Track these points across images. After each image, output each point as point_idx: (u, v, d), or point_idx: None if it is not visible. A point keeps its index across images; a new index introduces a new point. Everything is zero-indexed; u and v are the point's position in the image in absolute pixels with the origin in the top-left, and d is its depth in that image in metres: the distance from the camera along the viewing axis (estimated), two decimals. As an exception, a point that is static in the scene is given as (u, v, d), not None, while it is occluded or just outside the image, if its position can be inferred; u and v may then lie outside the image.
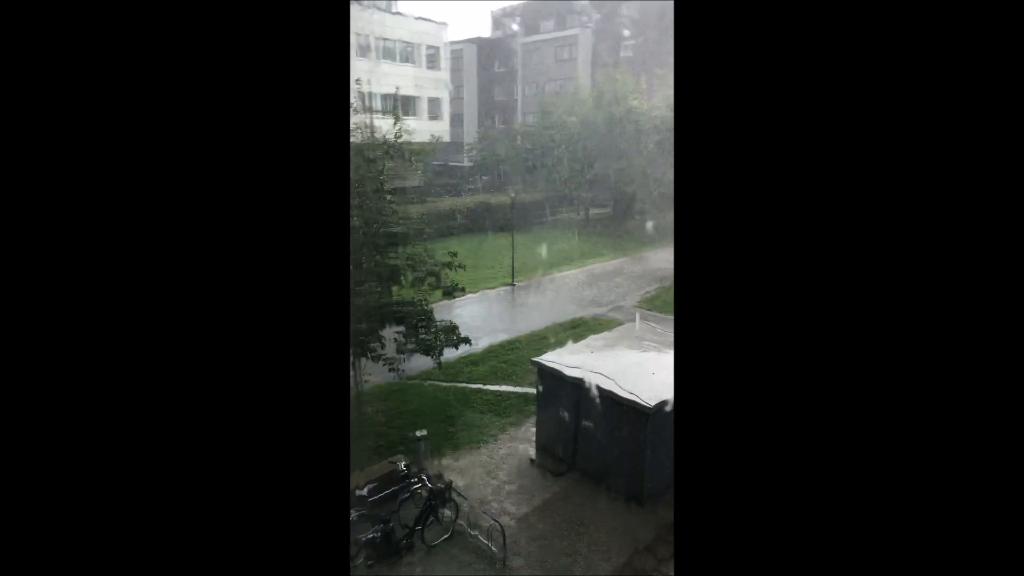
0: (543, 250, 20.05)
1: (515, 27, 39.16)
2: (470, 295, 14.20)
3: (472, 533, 5.95)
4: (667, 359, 7.32)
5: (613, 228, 24.36)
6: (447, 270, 7.98)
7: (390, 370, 7.71)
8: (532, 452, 7.45)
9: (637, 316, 11.30)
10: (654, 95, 25.49)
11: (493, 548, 5.72)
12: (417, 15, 28.65)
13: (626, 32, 35.18)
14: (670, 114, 24.06)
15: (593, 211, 27.05)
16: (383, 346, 7.66)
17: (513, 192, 18.49)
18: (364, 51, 25.23)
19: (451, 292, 8.18)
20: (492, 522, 5.89)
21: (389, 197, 7.70)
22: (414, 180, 10.83)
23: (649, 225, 24.14)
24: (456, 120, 37.45)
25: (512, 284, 16.10)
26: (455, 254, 8.14)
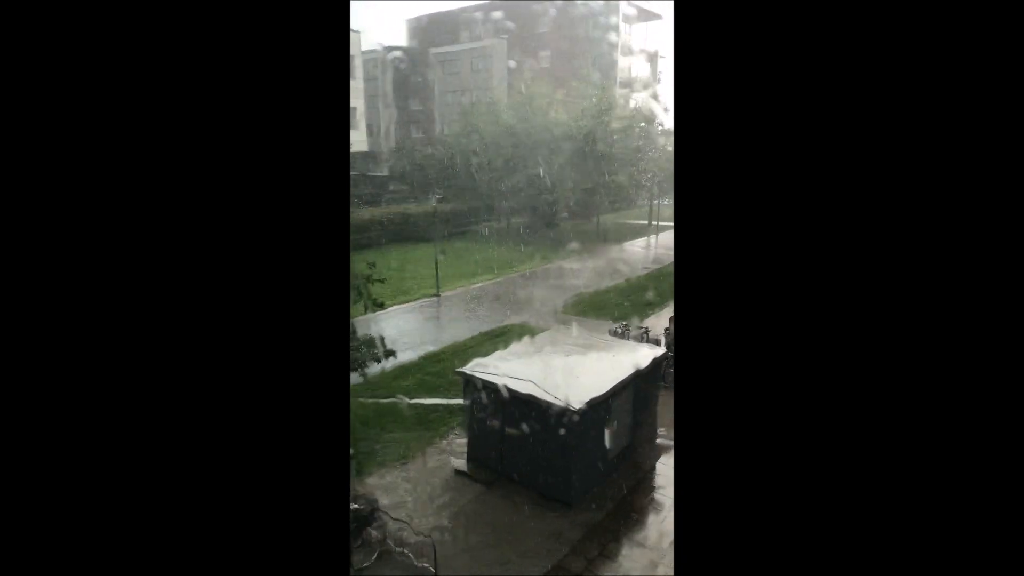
0: (465, 260, 20.02)
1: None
2: (393, 308, 13.93)
3: (401, 551, 5.80)
4: (591, 361, 7.52)
5: (533, 236, 24.71)
6: (369, 283, 7.79)
7: None
8: (461, 463, 7.39)
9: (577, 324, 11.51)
10: (570, 106, 26.25)
11: (423, 565, 5.60)
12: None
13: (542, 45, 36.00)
14: (587, 124, 24.89)
15: (514, 220, 27.36)
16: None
17: (434, 202, 18.38)
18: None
19: (373, 305, 7.98)
20: (421, 538, 5.77)
21: None
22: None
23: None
24: (373, 130, 36.77)
25: (436, 295, 15.96)
26: (373, 264, 7.96)
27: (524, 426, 6.64)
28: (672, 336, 10.15)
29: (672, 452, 7.72)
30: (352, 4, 8.46)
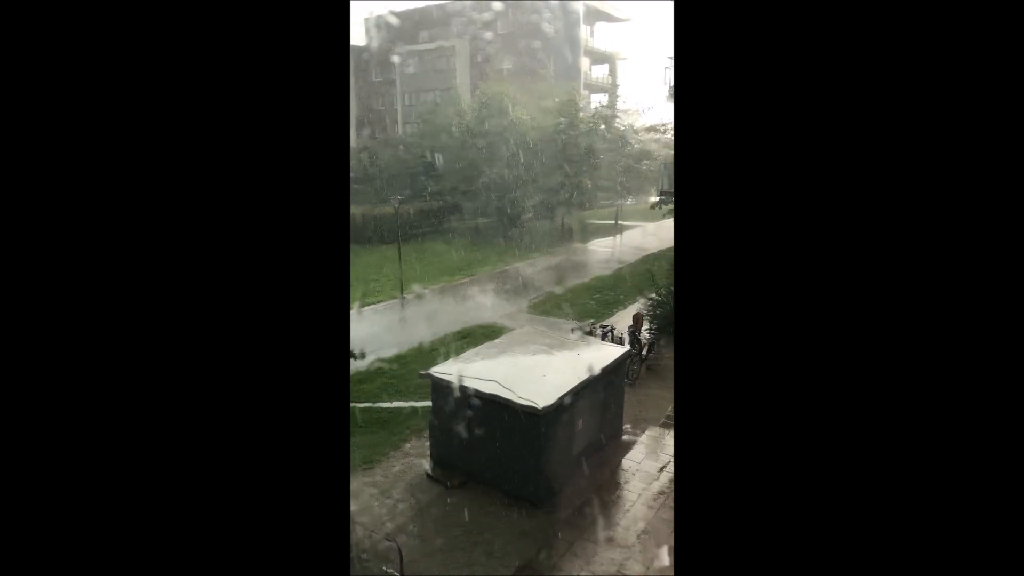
0: (428, 262, 19.86)
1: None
2: (354, 311, 13.70)
3: (365, 558, 5.70)
4: (556, 361, 7.54)
5: (497, 237, 24.68)
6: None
7: None
8: (427, 466, 7.31)
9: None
10: (532, 107, 26.32)
11: (389, 570, 5.52)
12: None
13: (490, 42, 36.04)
14: (550, 125, 25.02)
15: (479, 220, 27.26)
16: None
17: (396, 203, 18.18)
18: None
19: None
20: (388, 544, 5.68)
21: None
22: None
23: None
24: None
25: (400, 297, 15.78)
26: None
27: (491, 427, 6.61)
28: (633, 333, 10.29)
29: (636, 448, 7.82)
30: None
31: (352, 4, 18.73)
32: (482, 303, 15.36)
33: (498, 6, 36.21)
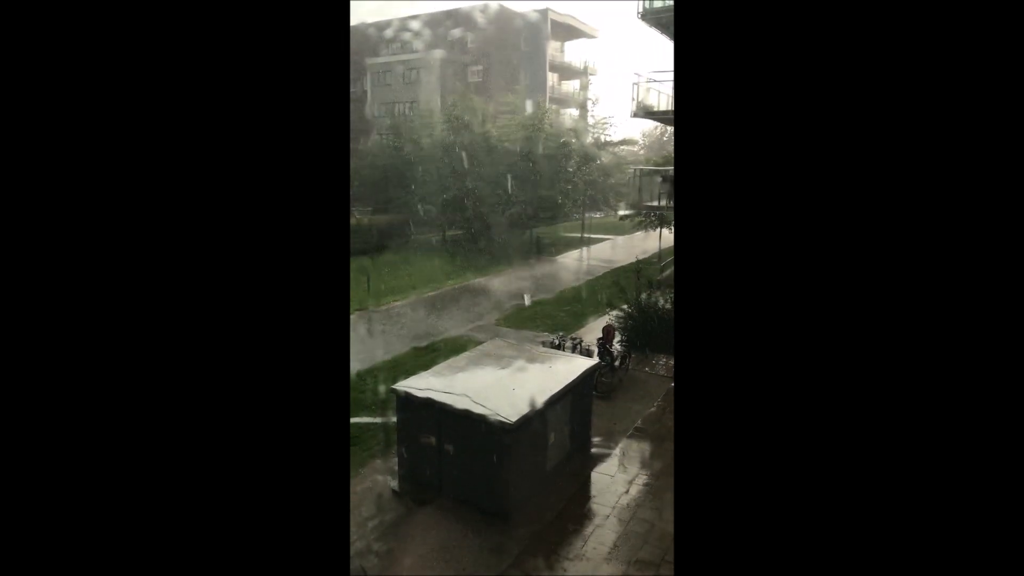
0: (398, 274, 19.66)
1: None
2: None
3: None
4: (526, 374, 7.50)
5: (467, 249, 24.61)
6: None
7: None
8: (394, 483, 7.16)
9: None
10: (502, 120, 26.47)
11: (356, 592, 5.36)
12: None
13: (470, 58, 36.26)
14: (520, 139, 25.17)
15: (450, 232, 27.18)
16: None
17: (367, 214, 17.99)
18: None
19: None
20: (353, 565, 5.52)
21: None
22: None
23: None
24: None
25: (368, 310, 15.56)
26: None
27: (460, 442, 6.52)
28: (604, 346, 10.33)
29: (606, 461, 7.83)
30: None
31: (352, 4, 18.45)
32: (451, 316, 15.25)
33: (471, 19, 36.47)
